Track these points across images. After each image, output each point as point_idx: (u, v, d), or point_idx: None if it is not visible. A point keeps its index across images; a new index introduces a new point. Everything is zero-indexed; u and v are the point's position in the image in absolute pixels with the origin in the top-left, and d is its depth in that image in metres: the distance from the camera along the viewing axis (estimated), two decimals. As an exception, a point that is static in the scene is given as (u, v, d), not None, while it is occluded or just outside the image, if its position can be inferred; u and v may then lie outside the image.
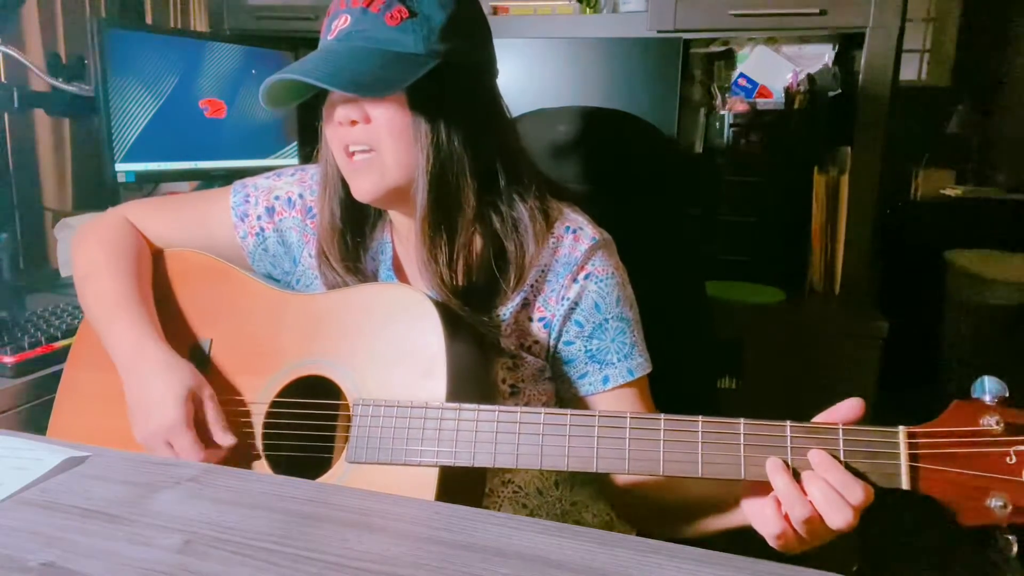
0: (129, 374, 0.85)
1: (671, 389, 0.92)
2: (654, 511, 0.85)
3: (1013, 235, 2.89)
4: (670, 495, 0.81)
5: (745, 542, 0.65)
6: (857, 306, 1.69)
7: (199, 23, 2.14)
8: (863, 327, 1.58)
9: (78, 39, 1.73)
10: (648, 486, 0.84)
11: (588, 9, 1.89)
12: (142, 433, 0.82)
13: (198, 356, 0.91)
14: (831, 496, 0.62)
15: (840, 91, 1.80)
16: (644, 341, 0.90)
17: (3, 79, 1.56)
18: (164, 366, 0.83)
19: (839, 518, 0.62)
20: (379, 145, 0.81)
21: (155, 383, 0.82)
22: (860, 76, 1.68)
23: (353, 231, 0.92)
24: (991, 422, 0.62)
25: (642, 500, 0.86)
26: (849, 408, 0.66)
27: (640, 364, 0.87)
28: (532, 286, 0.87)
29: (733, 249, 1.83)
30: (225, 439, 0.82)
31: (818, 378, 1.58)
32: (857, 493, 0.62)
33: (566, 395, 0.90)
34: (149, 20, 2.01)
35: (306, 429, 0.82)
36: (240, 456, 0.84)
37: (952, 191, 3.20)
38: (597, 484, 0.95)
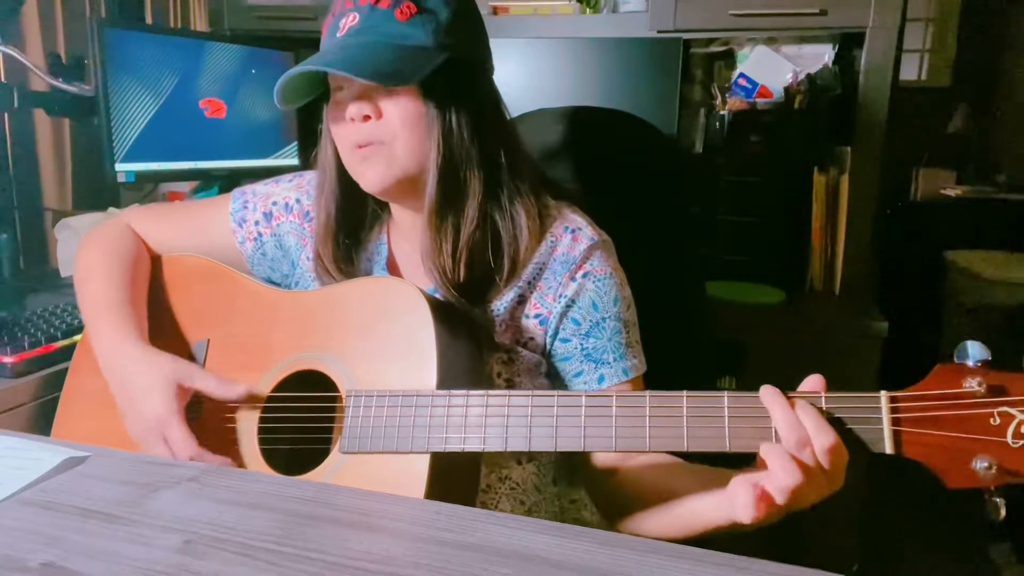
0: (111, 374, 0.86)
1: (671, 389, 0.91)
2: (639, 509, 0.85)
3: (1013, 235, 2.88)
4: (654, 494, 0.80)
5: (745, 542, 0.65)
6: (857, 306, 1.69)
7: (199, 23, 2.14)
8: (863, 327, 1.58)
9: (78, 39, 1.73)
10: (632, 485, 0.84)
11: (588, 9, 1.89)
12: (135, 430, 0.82)
13: (196, 357, 0.91)
14: (819, 423, 0.63)
15: (840, 91, 1.80)
16: (640, 342, 0.90)
17: (3, 79, 1.56)
18: (143, 361, 0.84)
19: (827, 438, 0.62)
20: (390, 138, 0.82)
21: (136, 379, 0.83)
22: (860, 76, 1.69)
23: (348, 233, 0.93)
24: (974, 384, 0.61)
25: (627, 499, 0.85)
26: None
27: (635, 365, 0.88)
28: (528, 283, 0.87)
29: (733, 249, 1.82)
30: (234, 390, 0.82)
31: (818, 378, 1.57)
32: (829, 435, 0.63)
33: None
34: (149, 20, 2.01)
35: (300, 422, 0.82)
36: (236, 452, 0.84)
37: (952, 191, 3.20)
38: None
